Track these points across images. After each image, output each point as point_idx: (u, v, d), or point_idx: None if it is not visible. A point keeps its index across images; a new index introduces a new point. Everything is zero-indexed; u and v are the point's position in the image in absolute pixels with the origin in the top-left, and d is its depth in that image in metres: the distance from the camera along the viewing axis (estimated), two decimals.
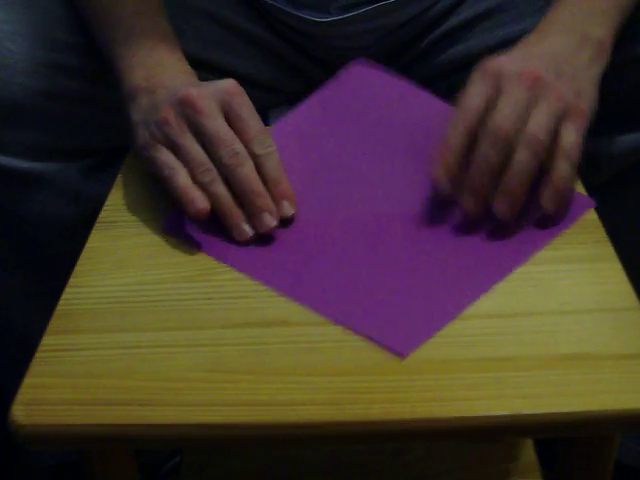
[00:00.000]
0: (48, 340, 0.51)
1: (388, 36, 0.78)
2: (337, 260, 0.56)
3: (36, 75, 0.69)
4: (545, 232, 0.57)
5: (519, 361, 0.48)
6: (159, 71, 0.62)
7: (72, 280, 0.56)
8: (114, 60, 0.65)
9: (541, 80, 0.57)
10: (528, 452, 0.75)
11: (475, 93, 0.58)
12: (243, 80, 0.77)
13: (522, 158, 0.55)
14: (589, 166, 0.72)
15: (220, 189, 0.57)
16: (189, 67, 0.64)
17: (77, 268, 0.57)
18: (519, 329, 0.50)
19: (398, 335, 0.49)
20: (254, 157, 0.58)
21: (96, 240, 0.60)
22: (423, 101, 0.64)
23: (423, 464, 0.74)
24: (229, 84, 0.59)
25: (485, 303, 0.52)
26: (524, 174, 0.55)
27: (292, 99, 0.81)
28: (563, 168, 0.56)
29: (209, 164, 0.57)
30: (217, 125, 0.57)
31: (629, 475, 0.91)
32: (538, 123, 0.56)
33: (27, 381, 0.48)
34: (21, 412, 0.46)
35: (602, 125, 0.72)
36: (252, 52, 0.78)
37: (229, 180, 0.58)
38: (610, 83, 0.71)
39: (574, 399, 0.45)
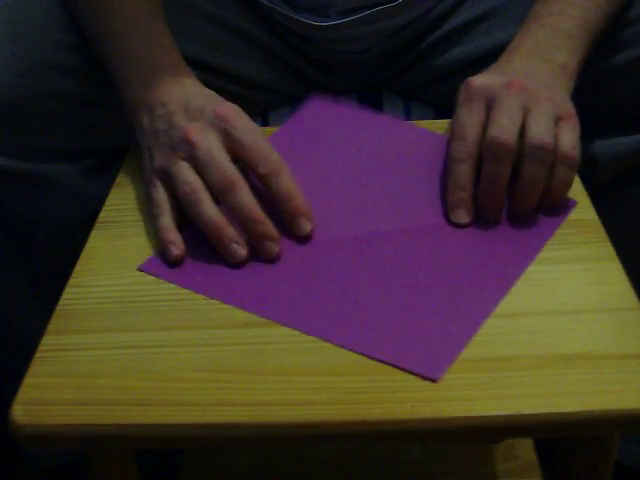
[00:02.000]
0: (48, 340, 0.51)
1: (386, 40, 0.78)
2: (338, 286, 0.54)
3: (37, 76, 0.69)
4: (539, 236, 0.57)
5: (519, 361, 0.48)
6: (156, 79, 0.62)
7: (72, 280, 0.56)
8: (111, 68, 0.65)
9: (528, 88, 0.57)
10: (528, 452, 0.75)
11: (467, 116, 0.58)
12: (243, 82, 0.77)
13: (532, 169, 0.55)
14: (588, 167, 0.73)
15: (204, 213, 0.56)
16: (184, 67, 0.64)
17: (77, 268, 0.57)
18: (519, 329, 0.50)
19: (426, 359, 0.48)
20: (261, 178, 0.57)
21: (96, 240, 0.60)
22: (389, 124, 0.64)
23: (423, 464, 0.74)
24: (222, 109, 0.58)
25: None
26: (536, 184, 0.56)
27: (292, 101, 0.82)
28: (563, 174, 0.56)
29: (195, 186, 0.56)
30: (211, 154, 0.56)
31: (629, 476, 0.91)
32: (539, 127, 0.56)
33: (27, 381, 0.48)
34: (21, 412, 0.46)
35: (601, 127, 0.73)
36: (252, 54, 0.78)
37: (228, 208, 0.56)
38: (608, 86, 0.71)
39: (574, 399, 0.45)
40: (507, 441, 0.75)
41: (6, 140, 0.69)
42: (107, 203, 0.64)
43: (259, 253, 0.56)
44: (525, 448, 0.75)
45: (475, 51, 0.76)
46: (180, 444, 0.60)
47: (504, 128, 0.56)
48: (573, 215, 0.59)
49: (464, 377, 0.47)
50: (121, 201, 0.64)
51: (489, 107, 0.58)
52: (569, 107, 0.59)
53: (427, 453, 0.74)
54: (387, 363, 0.48)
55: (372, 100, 0.82)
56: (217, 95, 0.61)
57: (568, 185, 0.57)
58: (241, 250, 0.56)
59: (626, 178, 0.73)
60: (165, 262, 0.56)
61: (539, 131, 0.56)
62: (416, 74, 0.80)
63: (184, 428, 0.46)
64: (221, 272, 0.55)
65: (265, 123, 0.81)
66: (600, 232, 0.57)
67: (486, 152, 0.56)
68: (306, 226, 0.57)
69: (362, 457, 0.74)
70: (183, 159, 0.57)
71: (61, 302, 0.54)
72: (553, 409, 0.45)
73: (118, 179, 0.67)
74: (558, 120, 0.57)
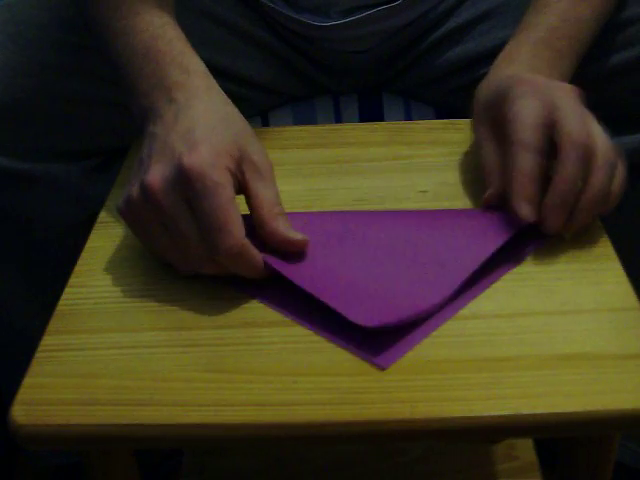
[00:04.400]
0: (48, 340, 0.51)
1: (388, 39, 0.78)
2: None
3: (37, 76, 0.69)
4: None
5: (519, 361, 0.48)
6: (159, 81, 0.57)
7: (72, 280, 0.56)
8: (119, 72, 0.61)
9: (575, 89, 0.57)
10: (528, 452, 0.75)
11: (531, 109, 0.55)
12: (243, 82, 0.77)
13: (601, 178, 0.53)
14: None
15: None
16: (192, 60, 0.59)
17: (77, 268, 0.57)
18: (519, 329, 0.50)
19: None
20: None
21: (96, 240, 0.60)
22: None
23: (423, 464, 0.74)
24: (188, 166, 0.50)
25: (485, 303, 0.52)
26: (603, 193, 0.54)
27: (292, 101, 0.82)
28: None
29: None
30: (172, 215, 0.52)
31: (629, 476, 0.91)
32: (600, 137, 0.54)
33: (27, 381, 0.48)
34: (21, 412, 0.46)
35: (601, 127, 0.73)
36: (253, 54, 0.78)
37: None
38: (609, 86, 0.71)
39: (574, 399, 0.45)
40: (507, 441, 0.75)
41: (6, 140, 0.69)
42: (107, 203, 0.64)
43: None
44: (525, 448, 0.75)
45: (476, 51, 0.76)
46: (180, 444, 0.60)
47: (580, 131, 0.54)
48: None
49: (464, 377, 0.47)
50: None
51: (551, 103, 0.56)
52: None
53: (427, 453, 0.74)
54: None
55: (372, 100, 0.82)
56: (220, 106, 0.56)
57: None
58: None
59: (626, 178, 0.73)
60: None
61: (599, 134, 0.55)
62: (416, 74, 0.80)
63: (184, 428, 0.46)
64: None
65: (265, 123, 0.81)
66: (600, 232, 0.57)
67: (566, 153, 0.53)
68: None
69: (362, 457, 0.74)
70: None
71: (61, 302, 0.54)
72: (553, 409, 0.45)
73: (118, 179, 0.67)
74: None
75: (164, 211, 0.51)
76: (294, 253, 0.54)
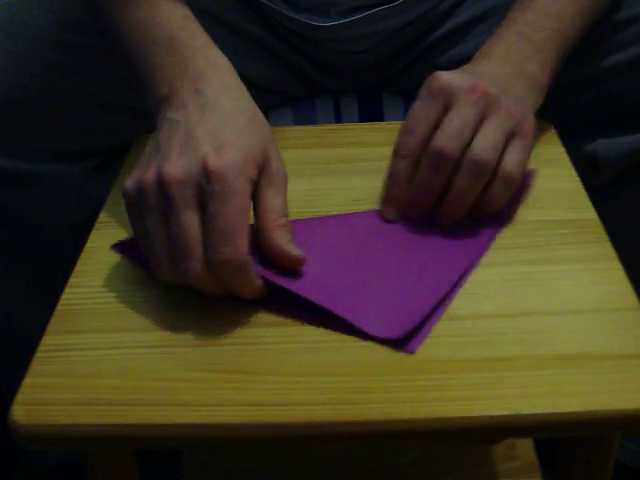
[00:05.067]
0: (48, 340, 0.51)
1: (387, 39, 0.78)
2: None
3: (37, 76, 0.69)
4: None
5: (519, 361, 0.48)
6: (184, 71, 0.56)
7: (72, 280, 0.56)
8: (133, 65, 0.60)
9: (491, 95, 0.56)
10: (528, 452, 0.75)
11: (421, 111, 0.57)
12: (244, 81, 0.77)
13: (464, 181, 0.55)
14: (589, 167, 0.73)
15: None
16: (216, 53, 0.58)
17: (77, 268, 0.57)
18: (519, 329, 0.50)
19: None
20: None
21: (96, 240, 0.60)
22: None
23: (423, 464, 0.74)
24: (213, 168, 0.49)
25: (485, 303, 0.52)
26: (465, 196, 0.56)
27: (292, 101, 0.82)
28: (498, 190, 0.56)
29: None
30: (183, 218, 0.50)
31: (629, 476, 0.91)
32: (485, 142, 0.55)
33: (27, 381, 0.48)
34: (21, 412, 0.46)
35: (602, 127, 0.73)
36: (253, 53, 0.78)
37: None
38: (609, 85, 0.71)
39: (574, 399, 0.45)
40: (507, 441, 0.75)
41: (6, 140, 0.69)
42: (107, 203, 0.64)
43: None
44: (525, 448, 0.75)
45: (475, 50, 0.76)
46: (180, 444, 0.60)
47: (452, 138, 0.55)
48: (573, 215, 0.59)
49: (464, 377, 0.47)
50: (121, 201, 0.64)
51: (447, 107, 0.56)
52: (527, 124, 0.57)
53: (427, 453, 0.74)
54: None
55: (372, 100, 0.82)
56: (241, 107, 0.55)
57: (501, 202, 0.57)
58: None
59: (626, 178, 0.73)
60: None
61: (483, 145, 0.55)
62: (416, 74, 0.80)
63: (184, 428, 0.46)
64: None
65: None
66: (600, 232, 0.57)
67: (427, 157, 0.56)
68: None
69: (362, 457, 0.74)
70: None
71: (61, 302, 0.54)
72: (553, 409, 0.45)
73: (118, 179, 0.67)
74: (511, 136, 0.56)
75: (174, 203, 0.49)
76: (290, 268, 0.53)
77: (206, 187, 0.49)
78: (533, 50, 0.62)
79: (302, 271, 0.53)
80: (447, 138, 0.55)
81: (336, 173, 0.66)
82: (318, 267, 0.54)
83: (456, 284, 0.54)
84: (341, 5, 0.74)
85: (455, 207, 0.56)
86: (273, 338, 0.51)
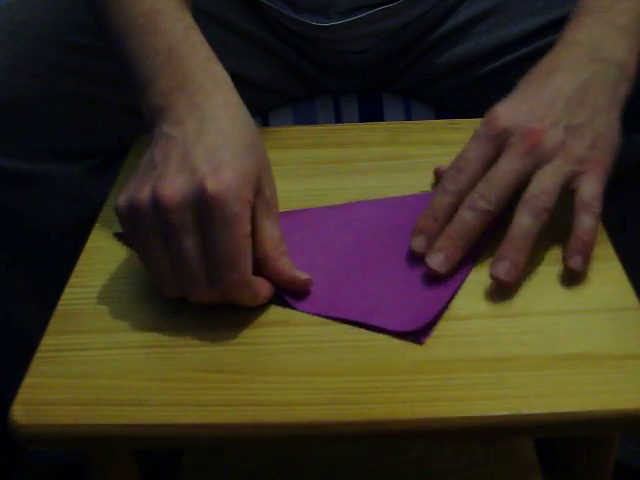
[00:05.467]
0: (48, 340, 0.51)
1: (387, 40, 0.78)
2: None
3: (37, 76, 0.69)
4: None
5: (519, 361, 0.48)
6: (181, 83, 0.54)
7: (72, 280, 0.56)
8: (130, 70, 0.58)
9: (544, 144, 0.54)
10: (528, 452, 0.75)
11: (474, 152, 0.55)
12: (243, 81, 0.77)
13: (524, 221, 0.52)
14: None
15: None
16: (216, 68, 0.56)
17: (77, 268, 0.57)
18: (519, 329, 0.50)
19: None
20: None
21: (96, 240, 0.60)
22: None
23: (423, 464, 0.74)
24: (211, 192, 0.48)
25: (485, 303, 0.52)
26: (530, 237, 0.53)
27: (292, 101, 0.82)
28: (585, 221, 0.53)
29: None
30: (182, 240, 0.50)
31: (629, 476, 0.91)
32: (541, 185, 0.53)
33: (27, 381, 0.48)
34: (21, 412, 0.46)
35: None
36: (253, 54, 0.78)
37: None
38: None
39: (574, 399, 0.45)
40: (507, 441, 0.75)
41: (6, 140, 0.69)
42: (107, 203, 0.64)
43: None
44: (525, 448, 0.75)
45: (476, 50, 0.76)
46: (180, 444, 0.60)
47: (491, 189, 0.53)
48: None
49: (464, 377, 0.47)
50: None
51: (500, 149, 0.54)
52: (598, 154, 0.55)
53: (427, 453, 0.74)
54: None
55: (372, 100, 0.82)
56: (243, 127, 0.53)
57: (593, 231, 0.53)
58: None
59: (627, 178, 0.73)
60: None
61: (538, 189, 0.53)
62: (417, 74, 0.80)
63: (184, 428, 0.46)
64: None
65: (265, 123, 0.81)
66: (600, 232, 0.57)
67: (468, 199, 0.54)
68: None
69: (362, 457, 0.74)
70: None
71: (61, 302, 0.54)
72: (553, 409, 0.45)
73: (118, 179, 0.67)
74: (579, 172, 0.54)
75: (173, 228, 0.48)
76: (298, 291, 0.53)
77: (205, 212, 0.48)
78: (617, 34, 0.58)
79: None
80: (486, 188, 0.53)
81: (336, 173, 0.66)
82: (324, 273, 0.55)
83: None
84: (341, 5, 0.74)
85: (520, 245, 0.52)
86: (273, 338, 0.51)
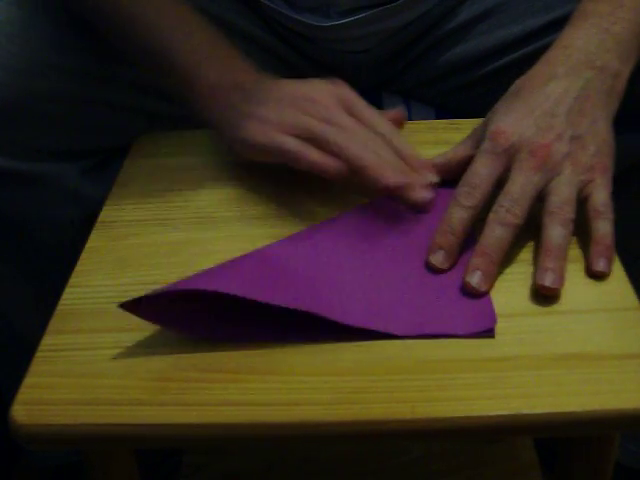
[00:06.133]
0: (48, 340, 0.51)
1: (388, 39, 0.78)
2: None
3: (35, 76, 0.69)
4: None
5: (519, 361, 0.48)
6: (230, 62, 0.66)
7: (72, 280, 0.56)
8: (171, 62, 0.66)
9: (553, 157, 0.55)
10: (528, 452, 0.75)
11: (484, 168, 0.56)
12: None
13: (557, 232, 0.54)
14: None
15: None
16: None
17: (77, 268, 0.57)
18: (519, 329, 0.50)
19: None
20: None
21: (96, 240, 0.60)
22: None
23: (423, 464, 0.74)
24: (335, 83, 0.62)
25: None
26: (563, 245, 0.54)
27: None
28: (602, 226, 0.55)
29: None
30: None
31: (629, 476, 0.91)
32: (560, 197, 0.55)
33: (27, 381, 0.48)
34: (21, 412, 0.46)
35: None
36: (253, 54, 0.77)
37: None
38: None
39: (574, 399, 0.45)
40: (507, 441, 0.75)
41: (5, 140, 0.69)
42: (107, 203, 0.64)
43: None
44: (525, 448, 0.75)
45: (476, 50, 0.76)
46: (180, 444, 0.60)
47: (514, 202, 0.54)
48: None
49: (464, 377, 0.47)
50: (121, 201, 0.64)
51: (509, 165, 0.56)
52: (602, 159, 0.57)
53: (427, 453, 0.74)
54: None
55: (372, 100, 0.82)
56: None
57: (610, 234, 0.55)
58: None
59: (627, 178, 0.73)
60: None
61: (558, 200, 0.55)
62: (417, 73, 0.80)
63: (184, 428, 0.46)
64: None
65: None
66: None
67: (495, 216, 0.54)
68: (433, 177, 0.60)
69: (362, 457, 0.74)
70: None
71: (61, 302, 0.54)
72: (553, 409, 0.45)
73: (118, 179, 0.67)
74: (587, 181, 0.56)
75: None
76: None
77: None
78: (612, 43, 0.59)
79: (331, 296, 0.52)
80: (511, 202, 0.54)
81: None
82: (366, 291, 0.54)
83: None
84: (341, 5, 0.74)
85: (558, 254, 0.54)
86: None
